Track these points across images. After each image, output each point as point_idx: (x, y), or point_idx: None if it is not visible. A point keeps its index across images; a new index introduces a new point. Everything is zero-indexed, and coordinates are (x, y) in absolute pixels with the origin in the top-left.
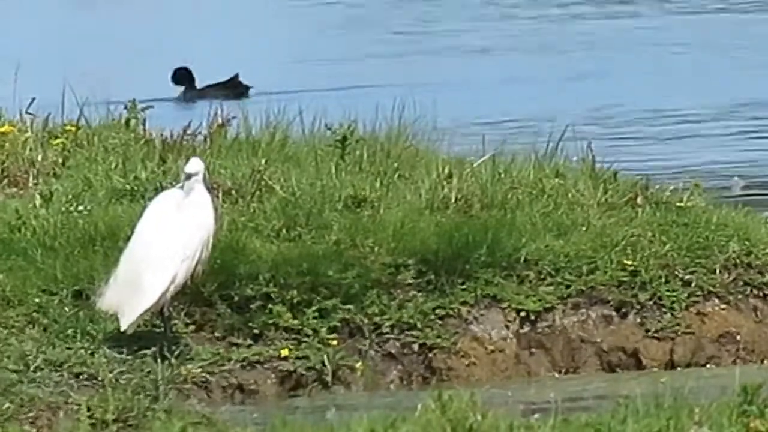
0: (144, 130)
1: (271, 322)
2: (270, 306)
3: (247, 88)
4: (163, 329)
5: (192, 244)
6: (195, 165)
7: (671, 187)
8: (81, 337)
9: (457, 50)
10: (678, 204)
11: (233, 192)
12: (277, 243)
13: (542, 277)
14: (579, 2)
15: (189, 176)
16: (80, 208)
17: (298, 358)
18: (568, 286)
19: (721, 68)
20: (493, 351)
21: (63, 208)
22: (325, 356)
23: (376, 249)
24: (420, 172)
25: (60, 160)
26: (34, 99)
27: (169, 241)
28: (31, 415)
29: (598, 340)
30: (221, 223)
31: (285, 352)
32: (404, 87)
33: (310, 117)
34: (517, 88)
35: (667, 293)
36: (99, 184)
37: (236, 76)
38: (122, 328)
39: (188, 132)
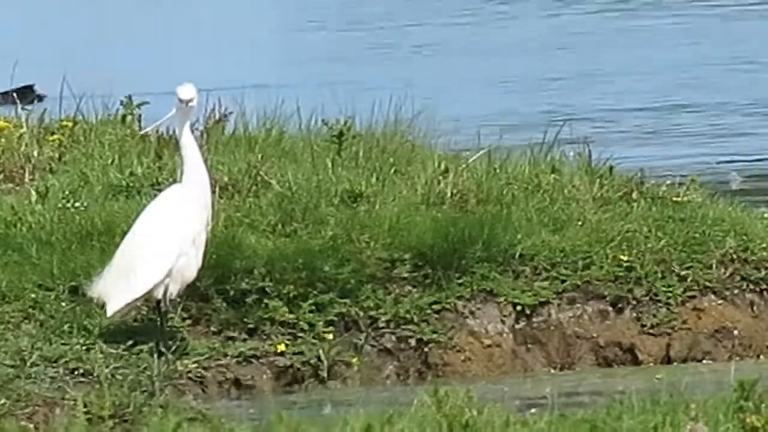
0: (140, 125)
1: (267, 316)
2: (266, 301)
3: (41, 96)
4: (159, 324)
5: (191, 232)
6: (190, 90)
7: (667, 182)
8: (77, 333)
9: (453, 48)
10: (674, 199)
11: (230, 187)
12: (273, 238)
13: (538, 272)
14: (579, 3)
15: (185, 103)
16: (76, 203)
17: (294, 353)
18: (563, 281)
19: (719, 66)
20: (489, 346)
21: (59, 204)
22: (321, 351)
23: (372, 244)
24: (416, 167)
25: (56, 156)
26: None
27: (167, 234)
28: (27, 410)
29: (594, 335)
30: (217, 220)
31: (281, 347)
32: (400, 85)
33: (307, 112)
34: (514, 86)
35: (663, 288)
36: (95, 180)
37: (30, 85)
38: (108, 315)
39: None
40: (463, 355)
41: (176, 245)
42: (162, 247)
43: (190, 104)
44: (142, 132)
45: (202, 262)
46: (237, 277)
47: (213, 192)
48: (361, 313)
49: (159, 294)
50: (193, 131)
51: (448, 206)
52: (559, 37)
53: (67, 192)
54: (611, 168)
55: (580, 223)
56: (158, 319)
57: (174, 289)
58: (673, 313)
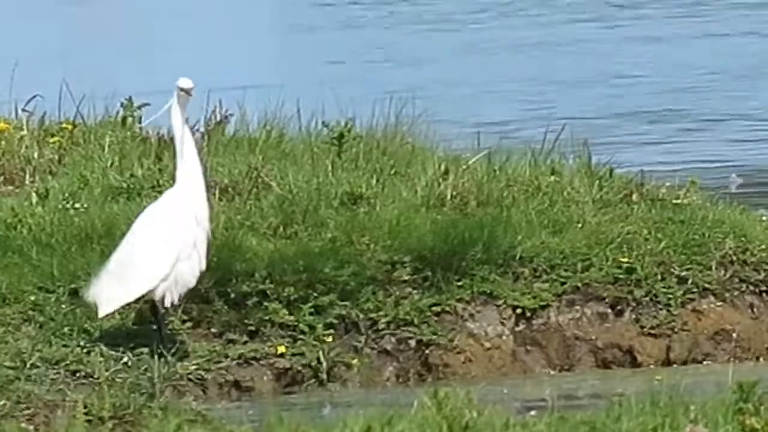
0: (140, 127)
1: (267, 318)
2: (266, 303)
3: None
4: (157, 328)
5: (190, 236)
6: (190, 81)
7: (667, 184)
8: (77, 335)
9: (455, 48)
10: (674, 201)
11: (230, 189)
12: (274, 240)
13: (538, 274)
14: (580, 3)
15: (187, 92)
16: (77, 205)
17: (294, 354)
18: (563, 283)
19: (719, 70)
20: (489, 348)
21: (59, 206)
22: (321, 353)
23: (372, 246)
24: (416, 169)
25: (56, 158)
26: (35, 96)
27: (165, 239)
28: (27, 412)
29: (594, 337)
30: (217, 222)
31: (281, 349)
32: (401, 86)
33: (308, 114)
34: (514, 87)
35: (663, 290)
36: (95, 182)
37: None
38: (99, 315)
39: None
40: (463, 357)
41: (174, 251)
42: (159, 251)
43: (191, 94)
44: (144, 124)
45: (205, 266)
46: (237, 280)
47: (211, 191)
48: (361, 315)
49: (157, 297)
50: (193, 133)
51: (448, 208)
52: (559, 40)
53: (67, 194)
54: (611, 170)
55: (579, 225)
56: (155, 322)
57: (174, 293)
58: (673, 315)
